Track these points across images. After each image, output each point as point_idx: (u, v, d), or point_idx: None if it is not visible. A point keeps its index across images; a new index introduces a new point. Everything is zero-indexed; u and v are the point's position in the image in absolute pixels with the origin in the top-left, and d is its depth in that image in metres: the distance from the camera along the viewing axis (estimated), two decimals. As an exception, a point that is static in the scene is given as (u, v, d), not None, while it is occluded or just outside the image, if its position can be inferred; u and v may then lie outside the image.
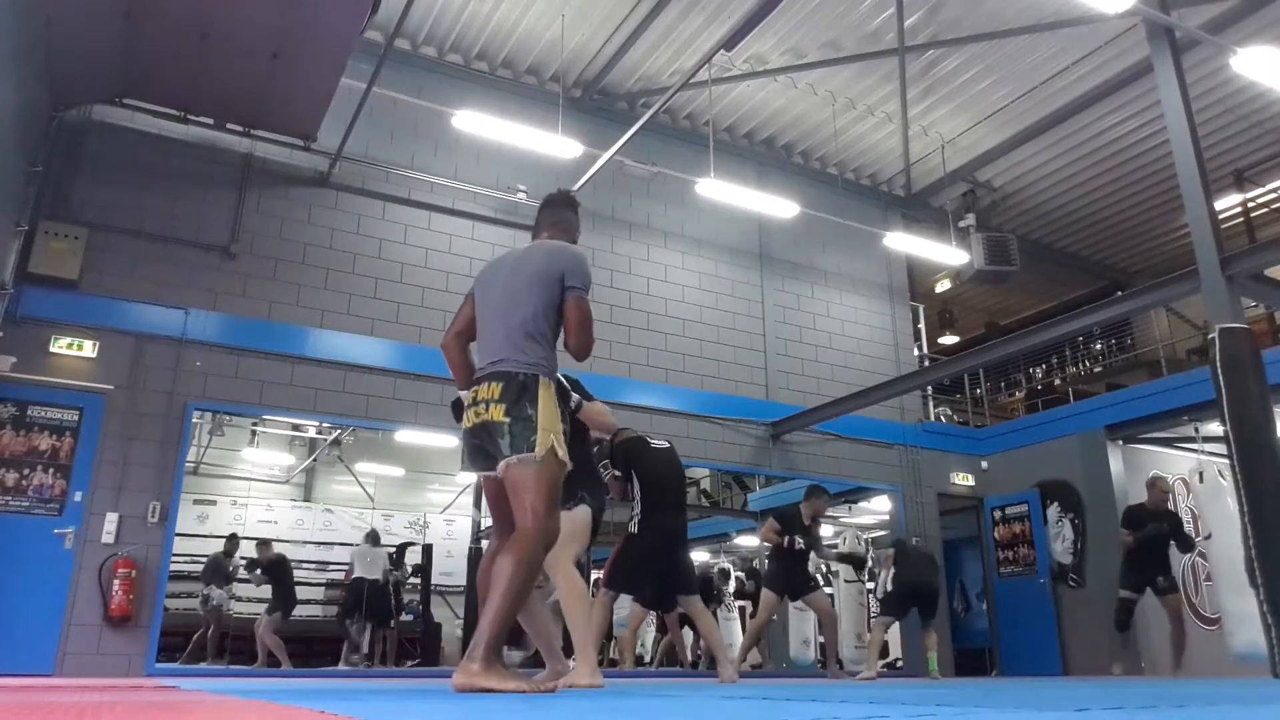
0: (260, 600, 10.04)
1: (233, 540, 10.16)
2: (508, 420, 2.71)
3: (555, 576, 3.86)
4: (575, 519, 3.91)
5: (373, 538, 10.22)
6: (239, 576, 9.99)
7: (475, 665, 2.50)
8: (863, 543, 10.20)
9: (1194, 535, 7.91)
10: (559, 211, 3.25)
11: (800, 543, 7.19)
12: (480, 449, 2.84)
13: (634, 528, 5.07)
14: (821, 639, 8.93)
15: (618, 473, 5.15)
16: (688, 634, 9.81)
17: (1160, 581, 7.44)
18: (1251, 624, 7.24)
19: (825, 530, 13.63)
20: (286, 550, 12.90)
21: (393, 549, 10.72)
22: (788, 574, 7.31)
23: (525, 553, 2.62)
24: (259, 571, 9.51)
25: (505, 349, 2.82)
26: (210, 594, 9.59)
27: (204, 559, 10.30)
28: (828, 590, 11.06)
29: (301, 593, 12.56)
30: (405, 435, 8.83)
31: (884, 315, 10.92)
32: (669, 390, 9.06)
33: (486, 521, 12.57)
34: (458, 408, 3.00)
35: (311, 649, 11.39)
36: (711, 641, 5.53)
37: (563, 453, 2.75)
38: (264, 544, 9.73)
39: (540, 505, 2.67)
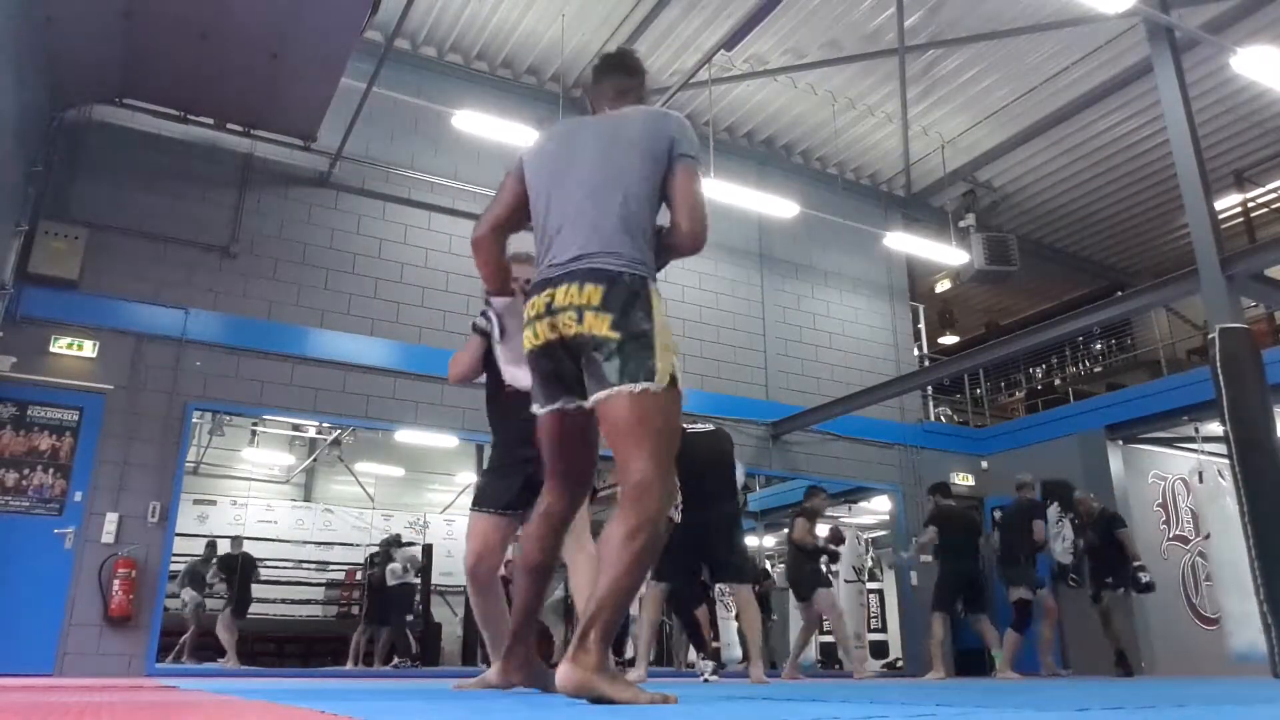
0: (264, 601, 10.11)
1: (211, 547, 10.26)
2: (618, 335, 2.01)
3: (578, 558, 3.26)
4: None
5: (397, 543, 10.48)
6: (209, 581, 10.09)
7: (591, 658, 1.88)
8: (862, 543, 10.21)
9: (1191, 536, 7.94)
10: (622, 79, 2.46)
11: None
12: (554, 375, 2.14)
13: (676, 516, 5.05)
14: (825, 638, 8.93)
15: None
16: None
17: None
18: (1250, 624, 7.28)
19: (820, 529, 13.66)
20: (286, 550, 12.97)
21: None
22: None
23: (650, 512, 1.97)
24: (217, 565, 9.74)
25: (595, 242, 2.10)
26: (183, 596, 9.66)
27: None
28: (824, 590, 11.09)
29: (302, 593, 12.65)
30: (405, 435, 8.84)
31: (884, 315, 10.92)
32: (669, 390, 9.05)
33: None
34: (486, 320, 2.28)
35: (312, 649, 11.40)
36: (751, 636, 5.50)
37: (682, 380, 2.10)
38: (236, 541, 9.92)
39: (664, 448, 2.03)
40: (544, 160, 2.30)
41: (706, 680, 5.33)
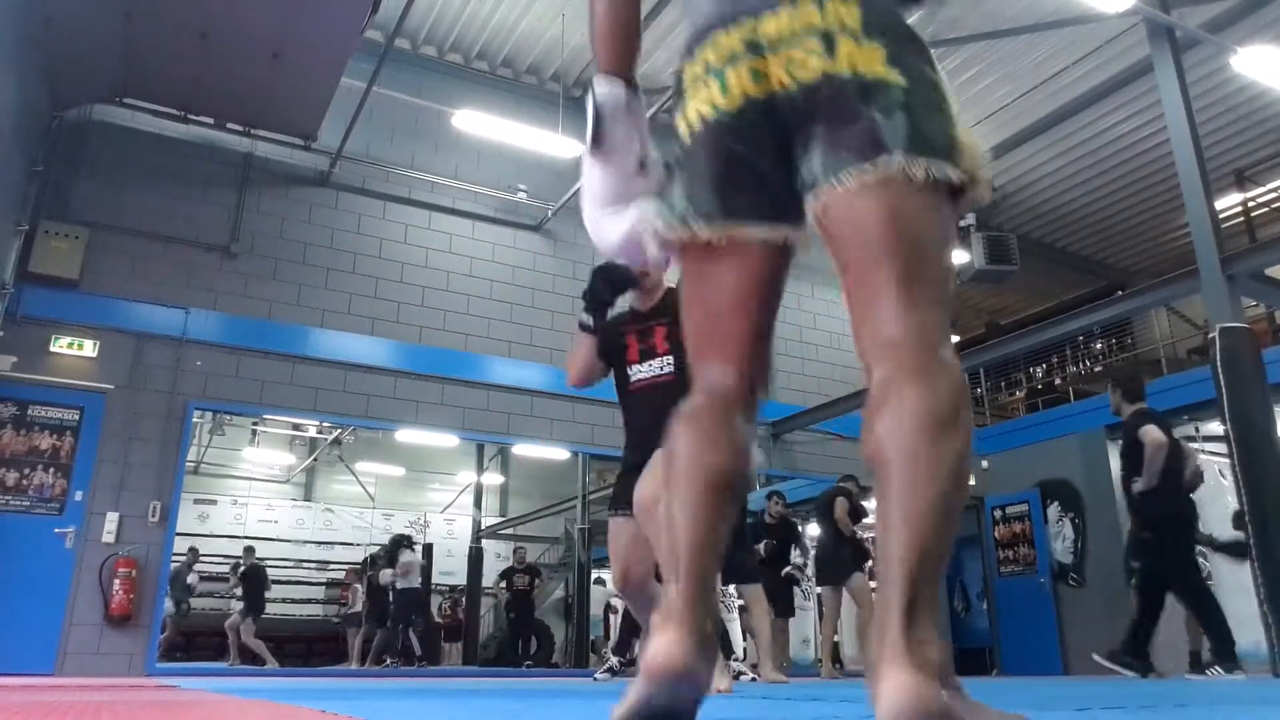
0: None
1: (193, 553, 10.42)
2: (901, 79, 1.09)
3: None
4: None
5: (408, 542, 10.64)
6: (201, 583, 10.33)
7: (933, 655, 0.95)
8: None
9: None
10: None
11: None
12: (743, 167, 1.14)
13: None
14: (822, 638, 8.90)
15: None
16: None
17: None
18: (1246, 625, 7.28)
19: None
20: (286, 549, 12.99)
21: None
22: None
23: (959, 389, 1.07)
24: (239, 574, 10.08)
25: None
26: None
27: (206, 559, 10.42)
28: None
29: (302, 592, 12.68)
30: (405, 435, 8.84)
31: (884, 315, 10.90)
32: (669, 390, 9.05)
33: (488, 521, 12.56)
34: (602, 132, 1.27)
35: (312, 648, 11.42)
36: (760, 635, 5.51)
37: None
38: (249, 550, 10.20)
39: (947, 290, 1.13)
40: None
41: (756, 676, 5.37)
